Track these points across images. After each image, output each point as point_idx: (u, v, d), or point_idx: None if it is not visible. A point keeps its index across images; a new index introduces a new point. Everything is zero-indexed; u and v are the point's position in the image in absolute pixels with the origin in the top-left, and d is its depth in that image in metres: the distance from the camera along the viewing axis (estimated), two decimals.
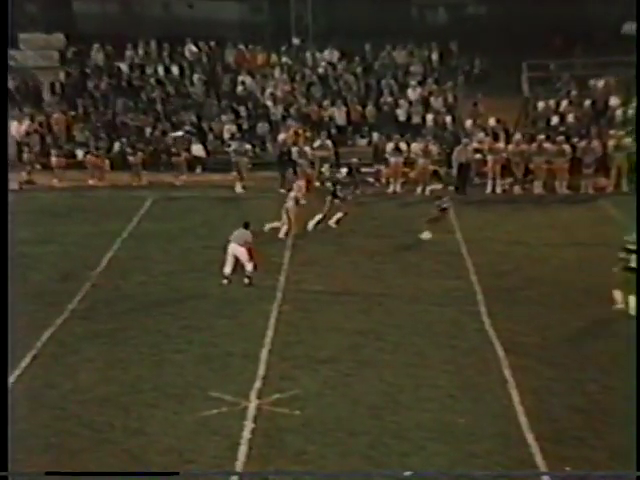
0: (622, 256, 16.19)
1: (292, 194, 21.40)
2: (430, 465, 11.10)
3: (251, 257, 17.93)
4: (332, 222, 21.69)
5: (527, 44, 30.66)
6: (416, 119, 29.57)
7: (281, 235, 20.88)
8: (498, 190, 26.10)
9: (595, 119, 28.46)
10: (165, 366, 14.31)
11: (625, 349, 14.34)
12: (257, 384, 13.52)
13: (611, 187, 25.62)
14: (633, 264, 15.84)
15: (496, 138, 27.04)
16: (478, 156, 26.70)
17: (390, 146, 26.80)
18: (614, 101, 28.83)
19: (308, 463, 11.33)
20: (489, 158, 26.28)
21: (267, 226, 21.00)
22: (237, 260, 17.99)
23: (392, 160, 26.48)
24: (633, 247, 16.00)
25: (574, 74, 30.66)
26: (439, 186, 24.47)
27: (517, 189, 26.09)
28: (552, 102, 29.26)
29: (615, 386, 13.13)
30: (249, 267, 17.89)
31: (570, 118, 28.41)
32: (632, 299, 15.77)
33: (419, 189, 25.95)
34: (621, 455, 11.12)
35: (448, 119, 29.19)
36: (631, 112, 27.84)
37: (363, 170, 26.23)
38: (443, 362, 14.31)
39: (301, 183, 22.24)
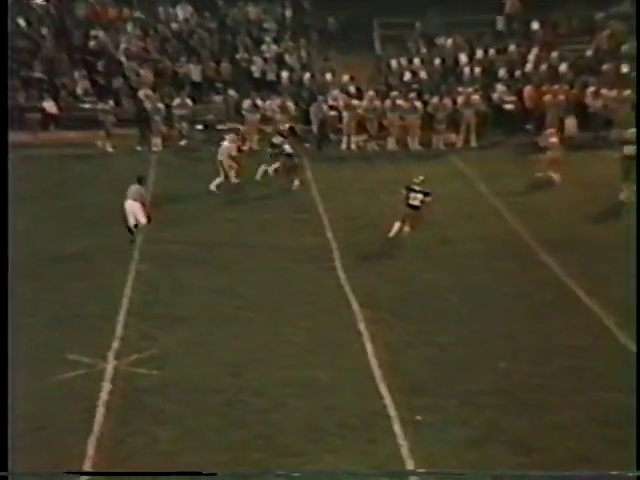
0: (403, 193, 18.20)
1: (225, 145, 21.74)
2: (290, 421, 11.30)
3: (145, 211, 18.27)
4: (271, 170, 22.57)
5: (378, 2, 30.99)
6: (271, 76, 29.55)
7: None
8: (353, 146, 26.45)
9: (445, 76, 29.14)
10: (16, 331, 13.94)
11: (477, 302, 14.91)
12: (115, 345, 13.41)
13: (460, 143, 26.37)
14: (412, 202, 18.02)
15: (349, 95, 27.36)
16: (333, 113, 26.95)
17: (247, 103, 26.74)
18: (463, 59, 29.58)
19: (166, 423, 11.36)
20: (344, 115, 26.57)
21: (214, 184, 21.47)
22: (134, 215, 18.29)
23: (249, 117, 26.44)
24: (416, 187, 18.09)
25: (424, 32, 31.24)
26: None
27: (371, 145, 26.49)
28: (404, 60, 29.78)
29: (466, 337, 13.57)
30: (143, 221, 18.23)
31: (423, 75, 29.00)
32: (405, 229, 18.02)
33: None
34: (471, 404, 11.59)
35: (303, 76, 29.29)
36: (478, 69, 28.71)
37: (219, 127, 26.12)
38: (301, 318, 14.48)
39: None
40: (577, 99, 26.88)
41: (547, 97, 26.53)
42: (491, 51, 30.02)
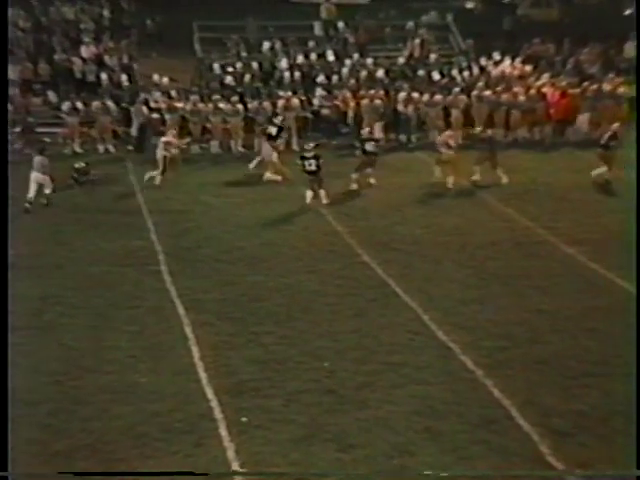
0: (298, 162, 20.91)
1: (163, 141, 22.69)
2: (113, 428, 11.14)
3: (52, 180, 20.32)
4: None
5: (197, 5, 31.01)
6: (91, 77, 28.97)
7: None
8: None
9: (265, 80, 29.47)
10: None
11: (302, 303, 15.14)
12: None
13: (282, 146, 26.54)
14: (308, 168, 20.54)
15: (172, 97, 27.21)
16: (155, 115, 26.72)
17: (66, 105, 26.14)
18: (283, 63, 29.99)
19: None
20: (167, 117, 26.40)
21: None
22: (40, 186, 20.25)
23: (69, 120, 25.86)
24: (307, 154, 20.65)
25: (244, 36, 31.48)
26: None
27: (195, 148, 26.44)
28: (225, 63, 29.93)
29: (291, 338, 13.76)
30: (48, 190, 20.32)
31: (246, 79, 29.19)
32: (316, 194, 20.42)
33: (101, 147, 25.74)
34: (296, 403, 11.77)
35: (124, 77, 28.88)
36: (298, 74, 29.16)
37: (39, 130, 25.43)
38: (125, 323, 14.30)
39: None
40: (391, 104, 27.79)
41: (364, 101, 27.30)
42: (312, 55, 30.62)
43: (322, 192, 20.68)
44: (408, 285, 15.70)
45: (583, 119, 27.33)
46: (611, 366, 12.61)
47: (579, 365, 12.63)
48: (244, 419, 11.30)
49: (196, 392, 12.04)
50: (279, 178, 22.58)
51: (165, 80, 28.30)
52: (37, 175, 20.16)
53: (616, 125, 23.00)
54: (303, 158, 20.71)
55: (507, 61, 30.83)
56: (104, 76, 28.68)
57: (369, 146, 22.51)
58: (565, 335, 13.66)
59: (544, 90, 27.90)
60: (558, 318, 14.27)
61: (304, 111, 27.38)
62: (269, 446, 10.70)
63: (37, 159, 20.35)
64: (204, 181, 22.99)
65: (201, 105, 26.61)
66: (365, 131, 23.66)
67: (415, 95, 27.62)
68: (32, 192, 20.00)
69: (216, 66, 29.72)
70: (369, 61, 30.50)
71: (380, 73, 29.71)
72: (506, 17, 35.04)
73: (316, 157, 20.56)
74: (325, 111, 27.47)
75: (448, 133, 23.66)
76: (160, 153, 22.49)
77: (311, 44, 31.39)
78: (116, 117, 26.63)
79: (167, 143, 22.64)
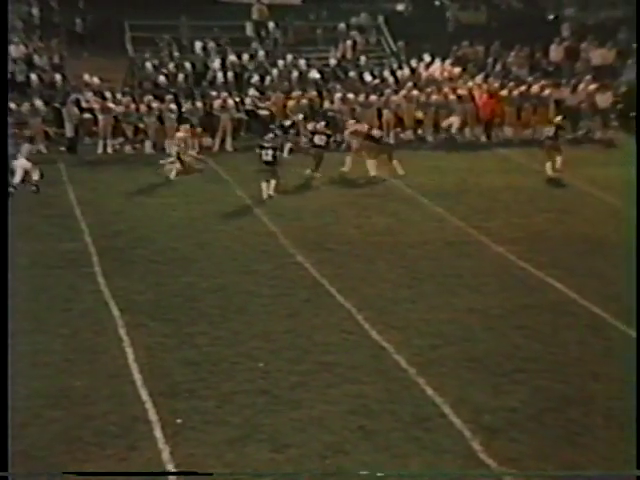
0: (258, 152, 21.41)
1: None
2: (46, 433, 11.04)
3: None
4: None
5: (129, 4, 30.78)
6: (20, 77, 28.55)
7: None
8: (109, 150, 26.12)
9: (198, 81, 29.40)
10: None
11: (236, 303, 15.16)
12: None
13: (216, 146, 26.67)
14: (264, 158, 21.12)
15: (104, 97, 26.98)
16: (88, 115, 26.47)
17: None
18: (216, 64, 29.95)
19: None
20: (100, 118, 26.17)
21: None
22: (26, 172, 21.31)
23: None
24: (265, 144, 21.27)
25: (176, 36, 31.36)
26: None
27: (128, 149, 26.27)
28: (157, 63, 29.77)
29: (225, 339, 13.77)
30: (36, 177, 21.29)
31: (180, 79, 29.09)
32: (269, 186, 20.97)
33: (33, 149, 25.46)
34: (231, 404, 11.79)
35: (55, 77, 28.53)
36: (230, 74, 29.18)
37: None
38: (59, 326, 14.16)
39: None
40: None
41: (290, 102, 27.46)
42: (244, 56, 30.66)
43: (272, 182, 20.96)
44: (342, 285, 15.82)
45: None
46: (541, 362, 12.87)
47: (509, 362, 12.87)
48: (179, 421, 11.29)
49: (130, 394, 11.98)
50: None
51: (96, 80, 28.03)
52: (24, 162, 21.32)
53: (559, 118, 23.66)
54: (262, 147, 21.20)
55: (437, 63, 31.30)
56: (34, 76, 28.30)
57: (318, 139, 22.93)
58: (496, 333, 13.90)
59: (473, 92, 28.37)
60: (489, 316, 14.52)
61: (239, 112, 27.36)
62: (203, 447, 10.70)
63: (26, 147, 21.87)
64: (138, 182, 22.86)
65: (134, 105, 26.42)
66: (311, 125, 24.06)
67: (350, 96, 27.82)
68: (18, 177, 21.09)
69: (148, 66, 29.55)
70: (302, 62, 30.66)
71: (312, 74, 29.91)
72: (436, 20, 35.55)
73: (274, 148, 21.16)
74: (262, 112, 27.49)
75: (352, 122, 24.32)
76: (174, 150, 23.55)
77: (243, 45, 31.39)
78: (47, 118, 26.30)
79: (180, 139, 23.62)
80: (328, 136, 23.62)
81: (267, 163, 21.07)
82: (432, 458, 10.46)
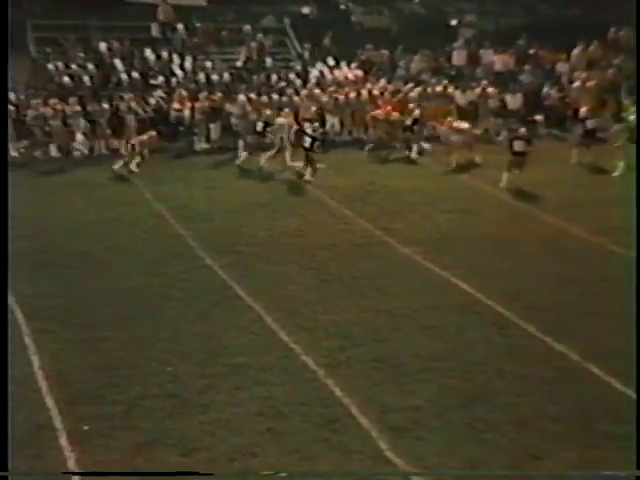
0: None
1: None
2: None
3: None
4: None
5: (30, 3, 30.23)
6: None
7: None
8: (15, 154, 25.56)
9: (104, 83, 29.09)
10: None
11: (145, 307, 15.07)
12: None
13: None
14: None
15: (10, 102, 26.42)
16: None
17: None
18: (119, 65, 29.69)
19: None
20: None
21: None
22: None
23: None
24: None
25: (80, 36, 30.89)
26: None
27: (37, 152, 25.88)
28: (61, 63, 29.30)
29: (133, 343, 13.68)
30: None
31: (85, 80, 28.69)
32: None
33: None
34: (139, 409, 11.73)
35: None
36: (136, 75, 28.97)
37: None
38: None
39: None
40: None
41: (198, 104, 27.48)
42: (150, 57, 30.43)
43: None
44: (251, 287, 15.85)
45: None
46: (446, 361, 13.09)
47: (416, 362, 13.07)
48: (85, 427, 11.18)
49: (36, 402, 11.80)
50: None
51: None
52: None
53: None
54: None
55: (342, 66, 31.64)
56: None
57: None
58: (402, 333, 14.09)
59: (374, 93, 28.84)
60: (396, 317, 14.71)
61: (146, 113, 27.14)
62: (111, 454, 10.62)
63: None
64: (46, 185, 22.50)
65: (42, 109, 25.97)
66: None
67: (253, 97, 27.92)
68: None
69: (51, 66, 29.06)
70: (208, 64, 30.59)
71: (217, 76, 29.89)
72: (341, 23, 35.91)
73: None
74: (175, 113, 27.31)
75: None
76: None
77: (149, 45, 31.14)
78: None
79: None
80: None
81: None
82: (340, 459, 10.57)
